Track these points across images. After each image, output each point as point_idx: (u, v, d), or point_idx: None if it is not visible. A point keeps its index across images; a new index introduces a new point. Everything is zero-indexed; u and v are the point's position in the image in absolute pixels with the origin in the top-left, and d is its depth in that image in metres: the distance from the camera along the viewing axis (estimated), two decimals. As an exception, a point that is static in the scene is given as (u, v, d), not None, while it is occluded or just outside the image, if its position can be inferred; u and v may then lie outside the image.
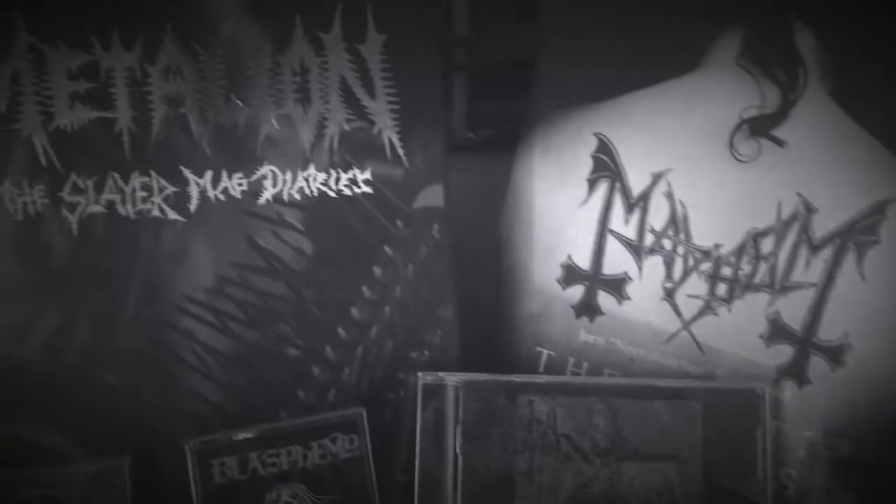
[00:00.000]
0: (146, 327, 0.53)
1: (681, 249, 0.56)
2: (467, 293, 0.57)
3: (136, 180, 0.52)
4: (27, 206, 0.51)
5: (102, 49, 0.51)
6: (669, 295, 0.57)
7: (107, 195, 0.52)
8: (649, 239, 0.57)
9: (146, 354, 0.53)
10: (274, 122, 0.54)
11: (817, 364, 0.54)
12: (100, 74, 0.51)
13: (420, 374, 0.54)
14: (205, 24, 0.52)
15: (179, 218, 0.53)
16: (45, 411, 0.52)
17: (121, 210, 0.52)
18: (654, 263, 0.57)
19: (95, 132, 0.51)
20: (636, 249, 0.57)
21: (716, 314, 0.56)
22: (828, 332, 0.54)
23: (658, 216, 0.56)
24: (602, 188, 0.57)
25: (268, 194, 0.54)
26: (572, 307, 0.58)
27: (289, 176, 0.54)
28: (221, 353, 0.54)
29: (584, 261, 0.58)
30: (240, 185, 0.54)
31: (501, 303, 0.59)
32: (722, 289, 0.56)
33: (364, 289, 0.56)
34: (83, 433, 0.52)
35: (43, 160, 0.51)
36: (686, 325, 0.56)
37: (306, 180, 0.55)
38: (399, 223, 0.56)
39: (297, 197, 0.55)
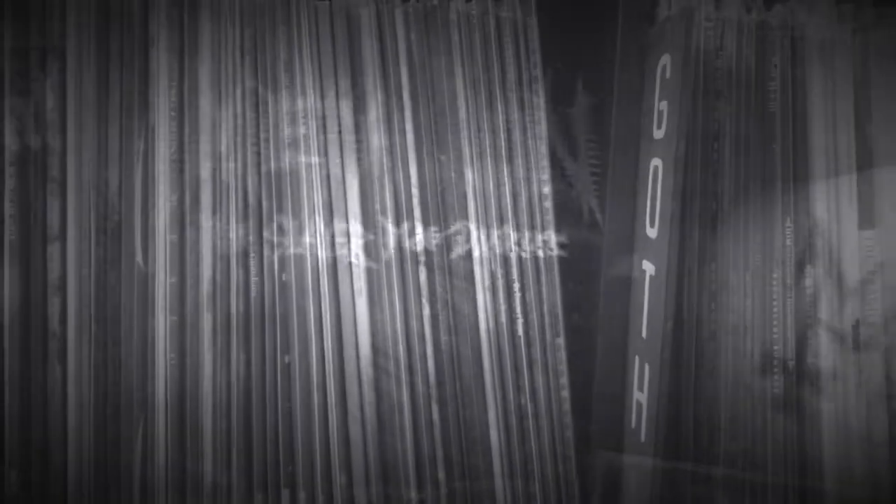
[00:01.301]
0: (325, 373, 0.53)
1: (901, 347, 0.51)
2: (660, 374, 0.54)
3: (337, 226, 0.53)
4: (231, 243, 0.52)
5: (320, 97, 0.53)
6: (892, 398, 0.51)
7: (307, 238, 0.53)
8: (864, 332, 0.52)
9: (311, 401, 0.52)
10: (474, 178, 0.54)
11: None
12: (314, 121, 0.53)
13: (603, 452, 0.51)
14: (419, 79, 0.53)
15: (373, 265, 0.53)
16: (215, 447, 0.52)
17: (319, 254, 0.53)
18: (873, 359, 0.52)
19: (303, 176, 0.53)
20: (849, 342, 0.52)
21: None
22: None
23: (876, 308, 0.52)
24: (812, 274, 0.53)
25: (460, 249, 0.54)
26: (771, 399, 0.54)
27: (483, 233, 0.54)
28: (399, 405, 0.53)
29: (787, 351, 0.53)
30: (434, 238, 0.53)
31: (697, 388, 0.55)
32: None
33: (548, 355, 0.54)
34: (246, 470, 0.52)
35: (252, 200, 0.53)
36: (904, 431, 0.51)
37: (500, 239, 0.54)
38: (590, 290, 0.54)
39: (488, 254, 0.54)
